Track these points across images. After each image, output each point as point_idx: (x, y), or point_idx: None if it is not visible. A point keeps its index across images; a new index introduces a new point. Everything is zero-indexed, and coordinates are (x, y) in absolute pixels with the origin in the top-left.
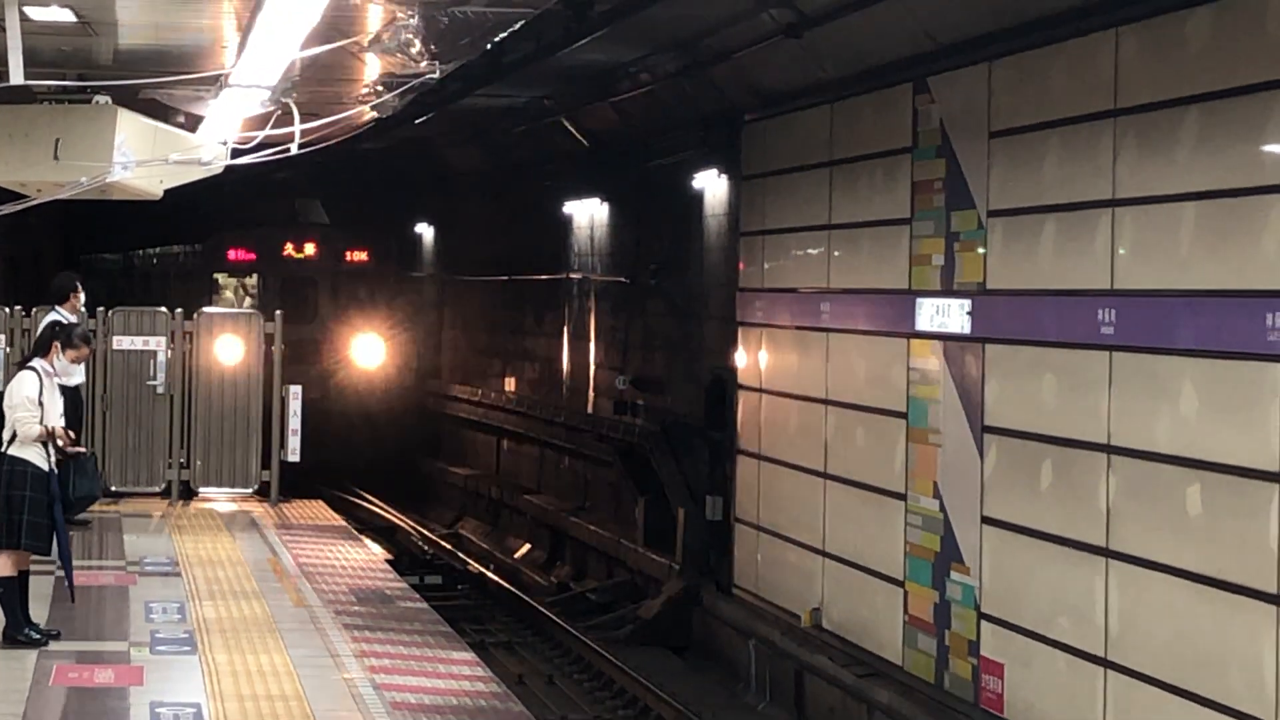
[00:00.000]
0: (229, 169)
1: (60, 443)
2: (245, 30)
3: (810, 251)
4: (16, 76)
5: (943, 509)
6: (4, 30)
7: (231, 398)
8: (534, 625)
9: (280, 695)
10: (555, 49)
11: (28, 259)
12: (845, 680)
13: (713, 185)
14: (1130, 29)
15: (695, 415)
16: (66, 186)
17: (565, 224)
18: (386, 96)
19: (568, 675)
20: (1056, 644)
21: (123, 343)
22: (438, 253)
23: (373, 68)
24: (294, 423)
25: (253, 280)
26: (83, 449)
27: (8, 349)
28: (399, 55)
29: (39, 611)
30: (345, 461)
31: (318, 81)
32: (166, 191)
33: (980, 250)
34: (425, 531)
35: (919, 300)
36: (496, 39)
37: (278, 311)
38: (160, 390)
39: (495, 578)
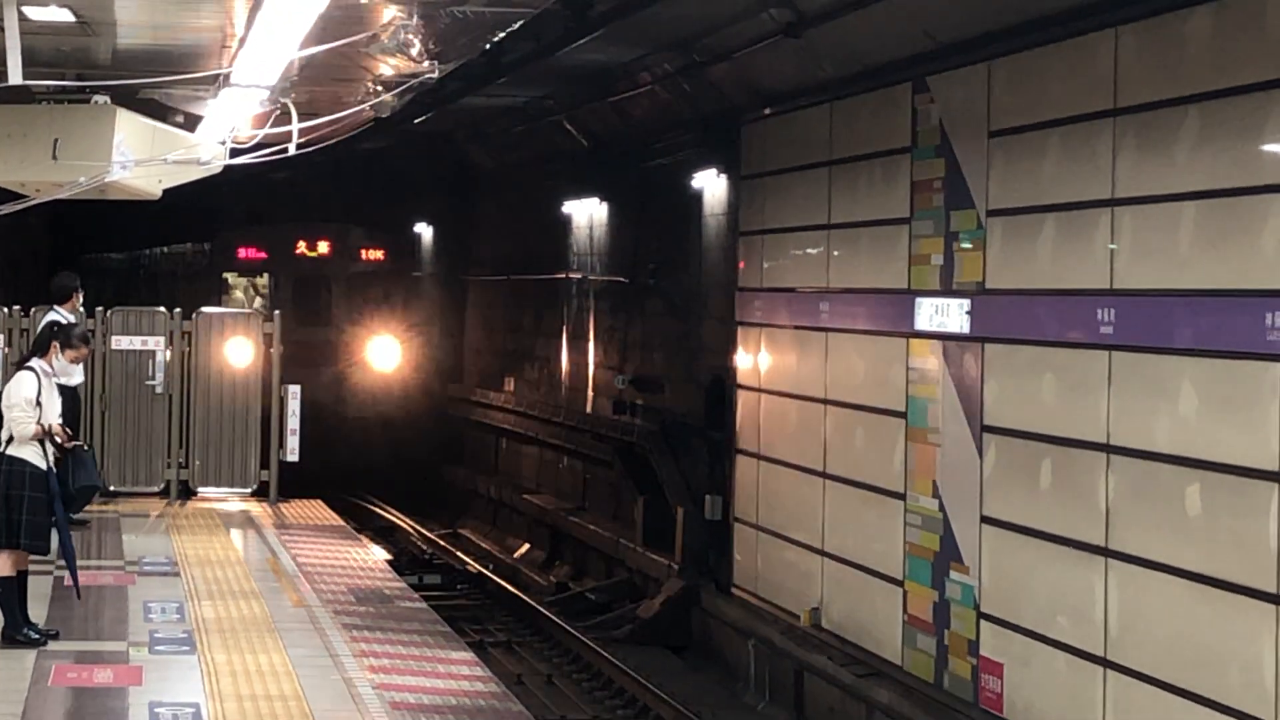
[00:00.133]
0: (232, 168)
1: (58, 439)
2: (244, 30)
3: (809, 251)
4: (15, 76)
5: (942, 508)
6: (3, 30)
7: (230, 397)
8: (533, 625)
9: (279, 695)
10: (555, 49)
11: (28, 259)
12: (844, 680)
13: (712, 185)
14: (1129, 29)
15: (694, 415)
16: (65, 186)
17: (564, 223)
18: (385, 96)
19: (567, 675)
20: (1056, 644)
21: (121, 343)
22: (454, 251)
23: (372, 68)
24: (293, 422)
25: (264, 280)
26: (80, 441)
27: (6, 349)
28: (398, 55)
29: (38, 611)
30: (360, 467)
31: (317, 81)
32: (172, 190)
33: (969, 246)
34: (425, 531)
35: (918, 300)
36: (496, 39)
37: (276, 311)
38: (159, 390)
39: (495, 578)
